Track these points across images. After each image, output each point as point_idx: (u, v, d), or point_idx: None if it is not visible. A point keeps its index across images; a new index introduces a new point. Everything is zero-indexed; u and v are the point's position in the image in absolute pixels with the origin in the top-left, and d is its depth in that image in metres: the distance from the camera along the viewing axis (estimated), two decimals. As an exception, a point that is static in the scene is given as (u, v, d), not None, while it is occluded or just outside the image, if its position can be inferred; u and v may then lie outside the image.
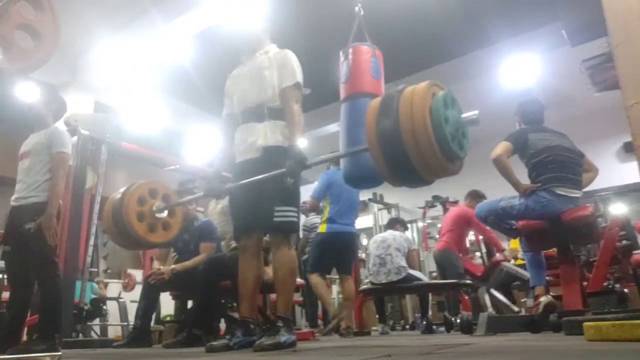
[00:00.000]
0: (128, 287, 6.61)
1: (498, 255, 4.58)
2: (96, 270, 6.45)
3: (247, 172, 2.45)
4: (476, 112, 2.07)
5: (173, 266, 3.60)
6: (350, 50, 3.35)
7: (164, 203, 2.86)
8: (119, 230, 2.76)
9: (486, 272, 4.52)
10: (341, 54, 3.42)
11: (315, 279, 4.32)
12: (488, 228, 4.43)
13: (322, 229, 4.43)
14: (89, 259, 4.29)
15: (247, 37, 2.77)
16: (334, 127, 8.23)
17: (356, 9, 3.54)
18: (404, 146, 1.88)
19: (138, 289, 3.81)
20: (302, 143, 2.45)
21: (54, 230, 2.79)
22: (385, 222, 7.73)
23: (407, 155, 1.89)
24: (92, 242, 4.31)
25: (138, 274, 7.48)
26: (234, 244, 3.43)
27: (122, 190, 2.83)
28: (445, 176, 2.00)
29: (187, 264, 3.58)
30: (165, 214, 2.87)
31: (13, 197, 2.95)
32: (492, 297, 4.17)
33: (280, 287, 2.45)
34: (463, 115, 2.07)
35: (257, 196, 2.40)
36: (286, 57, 2.61)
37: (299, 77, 2.58)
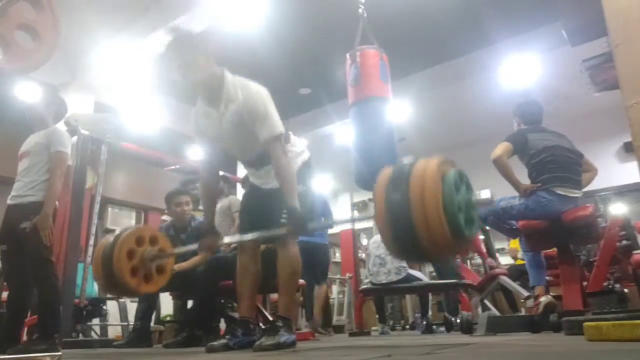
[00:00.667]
0: None
1: (497, 270, 4.56)
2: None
3: (262, 198, 2.50)
4: (488, 192, 2.03)
5: (173, 267, 3.60)
6: (358, 53, 3.36)
7: (155, 249, 2.74)
8: (111, 283, 2.64)
9: (483, 283, 4.51)
10: (348, 56, 3.43)
11: None
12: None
13: None
14: (89, 259, 4.29)
15: (201, 72, 2.34)
16: (334, 127, 8.23)
17: (359, 10, 3.55)
18: (412, 221, 1.83)
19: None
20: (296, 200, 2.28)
21: (49, 230, 2.78)
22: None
23: (415, 230, 1.84)
24: (92, 242, 4.31)
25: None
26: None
27: (110, 240, 2.68)
28: (449, 256, 1.94)
29: (185, 264, 3.57)
30: (154, 265, 2.72)
31: (10, 196, 2.94)
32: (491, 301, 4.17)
33: (283, 286, 2.44)
34: (475, 198, 2.03)
35: (267, 208, 2.43)
36: (256, 103, 2.27)
37: (278, 124, 2.28)
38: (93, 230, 4.31)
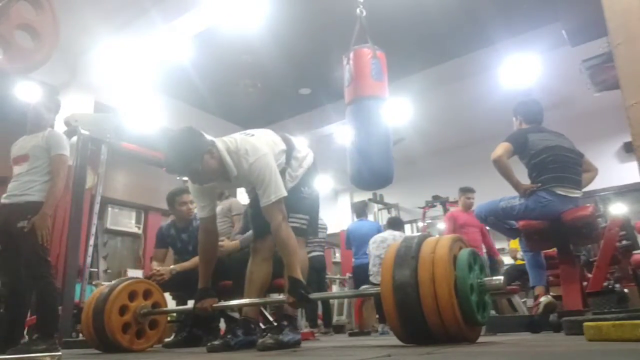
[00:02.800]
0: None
1: None
2: (96, 270, 6.45)
3: None
4: (501, 279, 1.97)
5: (172, 267, 3.59)
6: (351, 54, 3.36)
7: (148, 302, 2.71)
8: (101, 340, 2.60)
9: None
10: (343, 58, 3.43)
11: None
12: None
13: None
14: (89, 259, 4.29)
15: (207, 174, 2.31)
16: (333, 127, 8.24)
17: (357, 10, 3.54)
18: (419, 297, 1.79)
19: (137, 275, 3.81)
20: (298, 273, 2.23)
21: (47, 230, 2.78)
22: (385, 222, 7.73)
23: (422, 308, 1.79)
24: (92, 242, 4.31)
25: (138, 274, 7.48)
26: (237, 239, 3.40)
27: (104, 291, 2.65)
28: (458, 341, 1.87)
29: (187, 264, 3.57)
30: (147, 321, 2.70)
31: (4, 195, 2.92)
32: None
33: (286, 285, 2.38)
34: (487, 280, 1.97)
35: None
36: (253, 171, 2.26)
37: (275, 189, 2.25)
38: (93, 230, 4.31)
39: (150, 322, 2.74)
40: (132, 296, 2.66)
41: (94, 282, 6.22)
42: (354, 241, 6.05)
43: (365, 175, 3.16)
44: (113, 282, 2.77)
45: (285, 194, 2.28)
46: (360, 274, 5.71)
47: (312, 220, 2.52)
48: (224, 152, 2.31)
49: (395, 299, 1.82)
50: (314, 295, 2.30)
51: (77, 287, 4.13)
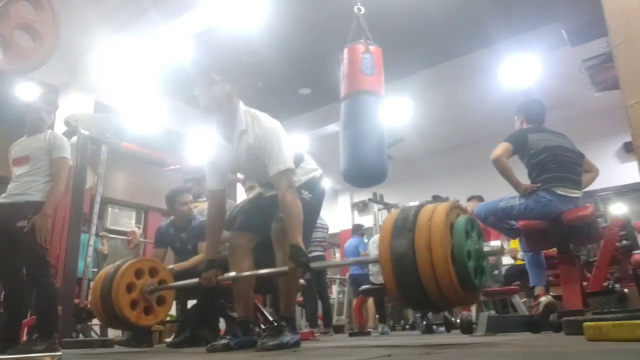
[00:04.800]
0: (131, 243, 6.87)
1: None
2: (96, 270, 6.45)
3: (270, 202, 2.48)
4: (498, 243, 2.01)
5: (171, 266, 3.60)
6: (345, 50, 3.35)
7: (154, 280, 2.74)
8: (109, 316, 2.65)
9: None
10: (340, 56, 3.43)
11: None
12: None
13: None
14: (89, 259, 4.30)
15: (216, 99, 2.39)
16: (333, 127, 8.23)
17: (355, 8, 3.54)
18: (416, 265, 1.81)
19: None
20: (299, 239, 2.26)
21: (46, 230, 2.78)
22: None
23: (419, 277, 1.81)
24: (92, 241, 4.31)
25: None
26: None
27: (109, 271, 2.70)
28: (456, 306, 1.88)
29: (185, 264, 3.57)
30: (154, 297, 2.75)
31: (3, 195, 2.92)
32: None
33: (284, 286, 2.44)
34: (486, 246, 2.00)
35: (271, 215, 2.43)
36: (266, 138, 2.31)
37: (285, 159, 2.30)
38: (93, 230, 4.31)
39: (157, 299, 2.79)
40: (138, 274, 2.71)
41: (100, 234, 6.30)
42: (349, 256, 7.02)
43: (355, 171, 3.14)
44: (117, 262, 2.80)
45: (294, 167, 2.32)
46: (355, 283, 6.40)
47: (306, 224, 2.38)
48: (242, 105, 2.39)
49: (393, 268, 1.86)
50: (314, 265, 2.33)
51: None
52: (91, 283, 5.64)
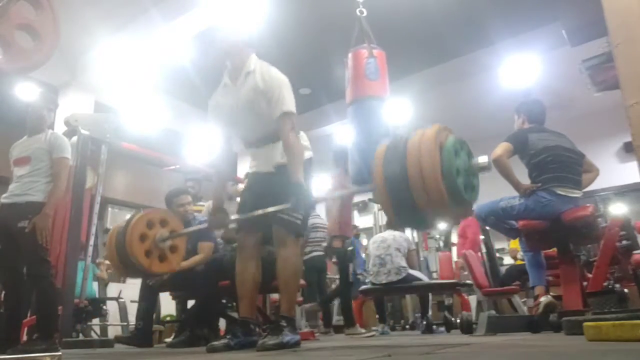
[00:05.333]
0: None
1: None
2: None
3: (260, 184, 2.54)
4: (485, 157, 2.08)
5: None
6: (349, 55, 3.38)
7: (165, 230, 2.82)
8: (126, 266, 2.76)
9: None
10: (344, 60, 3.45)
11: None
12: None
13: None
14: (89, 259, 4.29)
15: (231, 41, 2.53)
16: (333, 127, 8.24)
17: (357, 11, 3.54)
18: (409, 189, 1.89)
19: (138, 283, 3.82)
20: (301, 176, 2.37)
21: (47, 231, 2.78)
22: (385, 222, 7.74)
23: (413, 199, 1.89)
24: (92, 242, 4.31)
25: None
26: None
27: (122, 225, 2.79)
28: (452, 221, 2.00)
29: (185, 263, 3.56)
30: (167, 245, 2.81)
31: (4, 196, 2.93)
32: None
33: (284, 286, 2.44)
34: (474, 162, 2.07)
35: (268, 204, 2.42)
36: (273, 82, 2.42)
37: (290, 104, 2.41)
38: (93, 230, 4.31)
39: (170, 248, 2.87)
40: (149, 225, 2.78)
41: (97, 261, 6.28)
42: None
43: (365, 175, 3.16)
44: (129, 216, 2.89)
45: (295, 111, 2.41)
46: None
47: (305, 216, 2.52)
48: (254, 56, 2.53)
49: (387, 190, 1.96)
50: (316, 198, 2.44)
51: (78, 287, 4.12)
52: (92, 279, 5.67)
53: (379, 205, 1.98)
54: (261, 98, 2.41)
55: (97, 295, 5.82)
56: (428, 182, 1.85)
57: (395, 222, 2.08)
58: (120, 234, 2.72)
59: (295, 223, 2.41)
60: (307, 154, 2.57)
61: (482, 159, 2.08)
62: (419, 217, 1.97)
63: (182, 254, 2.96)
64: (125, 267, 2.77)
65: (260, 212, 2.36)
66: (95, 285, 6.05)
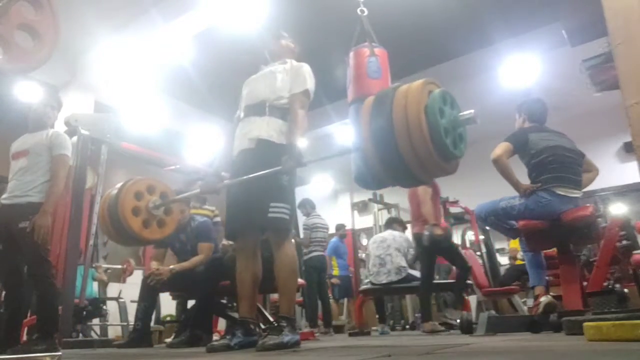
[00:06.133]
0: (127, 272, 6.87)
1: None
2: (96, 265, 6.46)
3: (241, 164, 2.55)
4: (472, 111, 2.10)
5: (172, 267, 3.60)
6: (350, 54, 3.38)
7: (155, 196, 2.87)
8: (113, 225, 2.78)
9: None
10: (345, 59, 3.45)
11: None
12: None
13: None
14: (89, 260, 4.29)
15: (275, 50, 2.88)
16: (334, 127, 8.23)
17: (358, 10, 3.54)
18: (396, 144, 1.88)
19: (137, 275, 3.83)
20: (301, 143, 2.47)
21: (46, 229, 2.76)
22: (384, 221, 7.75)
23: (401, 154, 1.89)
24: (92, 242, 4.31)
25: (138, 274, 7.47)
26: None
27: (118, 185, 2.83)
28: (440, 176, 2.00)
29: (186, 264, 3.57)
30: (161, 210, 2.86)
31: (4, 196, 2.91)
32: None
33: (282, 287, 2.45)
34: (460, 116, 2.09)
35: (251, 193, 2.43)
36: (301, 68, 2.70)
37: (310, 85, 2.64)
38: (93, 230, 4.30)
39: (165, 210, 2.92)
40: (150, 189, 2.83)
41: (94, 265, 6.28)
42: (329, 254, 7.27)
43: (367, 174, 3.16)
44: (114, 191, 2.88)
45: (311, 93, 2.64)
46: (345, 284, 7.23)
47: (292, 211, 2.54)
48: (294, 61, 2.80)
49: (374, 147, 1.96)
50: (307, 160, 2.45)
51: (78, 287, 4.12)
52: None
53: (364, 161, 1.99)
54: (284, 74, 2.64)
55: (97, 296, 5.83)
56: (415, 140, 1.86)
57: (381, 176, 2.06)
58: (113, 213, 2.74)
59: (283, 219, 2.42)
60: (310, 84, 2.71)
61: (468, 113, 2.10)
62: (407, 173, 1.97)
63: (177, 214, 3.00)
64: (114, 228, 2.80)
65: (251, 176, 2.38)
66: (95, 286, 6.06)
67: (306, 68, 2.70)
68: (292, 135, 2.47)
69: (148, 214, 2.80)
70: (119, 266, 7.01)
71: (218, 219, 4.75)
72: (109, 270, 6.70)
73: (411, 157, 1.87)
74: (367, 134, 1.98)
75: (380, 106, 1.98)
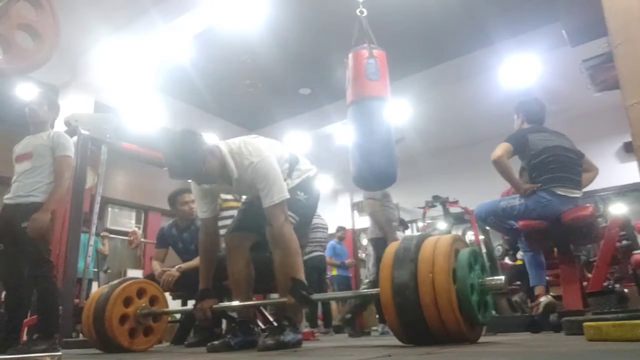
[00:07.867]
0: (132, 244, 7.04)
1: None
2: (96, 270, 6.47)
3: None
4: (502, 278, 1.96)
5: (179, 266, 3.60)
6: (350, 55, 3.38)
7: (144, 301, 2.73)
8: (96, 329, 2.62)
9: None
10: (344, 60, 3.45)
11: None
12: None
13: None
14: (89, 259, 4.30)
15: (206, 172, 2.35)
16: (333, 127, 8.23)
17: (357, 11, 3.54)
18: (421, 311, 1.77)
19: (137, 275, 3.82)
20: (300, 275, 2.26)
21: (42, 224, 2.74)
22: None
23: (424, 319, 1.77)
24: (92, 242, 4.31)
25: (138, 274, 7.47)
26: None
27: (105, 289, 2.70)
28: (462, 343, 1.83)
29: (192, 263, 3.56)
30: (149, 318, 2.74)
31: (7, 196, 2.91)
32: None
33: (279, 268, 2.37)
34: (488, 280, 1.95)
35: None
36: (256, 170, 2.28)
37: (278, 191, 2.27)
38: (93, 230, 4.31)
39: (153, 318, 2.78)
40: (127, 302, 2.66)
41: (101, 234, 6.31)
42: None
43: (366, 175, 3.16)
44: (104, 290, 2.72)
45: (288, 196, 2.30)
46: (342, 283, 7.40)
47: (301, 224, 2.44)
48: (227, 153, 2.33)
49: (394, 301, 1.81)
50: (315, 296, 2.29)
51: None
52: (92, 284, 5.68)
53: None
54: (251, 182, 2.33)
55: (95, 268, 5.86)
56: (440, 298, 1.73)
57: (398, 333, 1.94)
58: (99, 312, 2.58)
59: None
60: (309, 173, 2.57)
61: (498, 279, 1.95)
62: (427, 333, 1.82)
63: (166, 320, 2.86)
64: (106, 345, 2.63)
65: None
66: (95, 286, 6.06)
67: (261, 171, 2.28)
68: (291, 270, 2.24)
69: (135, 322, 2.65)
70: (124, 237, 7.16)
71: None
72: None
73: (433, 316, 1.76)
74: (388, 283, 1.83)
75: (404, 257, 1.84)
